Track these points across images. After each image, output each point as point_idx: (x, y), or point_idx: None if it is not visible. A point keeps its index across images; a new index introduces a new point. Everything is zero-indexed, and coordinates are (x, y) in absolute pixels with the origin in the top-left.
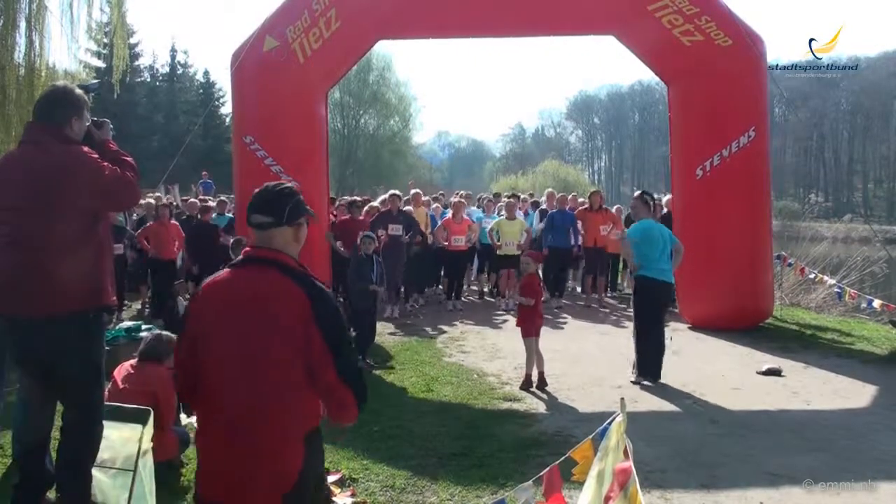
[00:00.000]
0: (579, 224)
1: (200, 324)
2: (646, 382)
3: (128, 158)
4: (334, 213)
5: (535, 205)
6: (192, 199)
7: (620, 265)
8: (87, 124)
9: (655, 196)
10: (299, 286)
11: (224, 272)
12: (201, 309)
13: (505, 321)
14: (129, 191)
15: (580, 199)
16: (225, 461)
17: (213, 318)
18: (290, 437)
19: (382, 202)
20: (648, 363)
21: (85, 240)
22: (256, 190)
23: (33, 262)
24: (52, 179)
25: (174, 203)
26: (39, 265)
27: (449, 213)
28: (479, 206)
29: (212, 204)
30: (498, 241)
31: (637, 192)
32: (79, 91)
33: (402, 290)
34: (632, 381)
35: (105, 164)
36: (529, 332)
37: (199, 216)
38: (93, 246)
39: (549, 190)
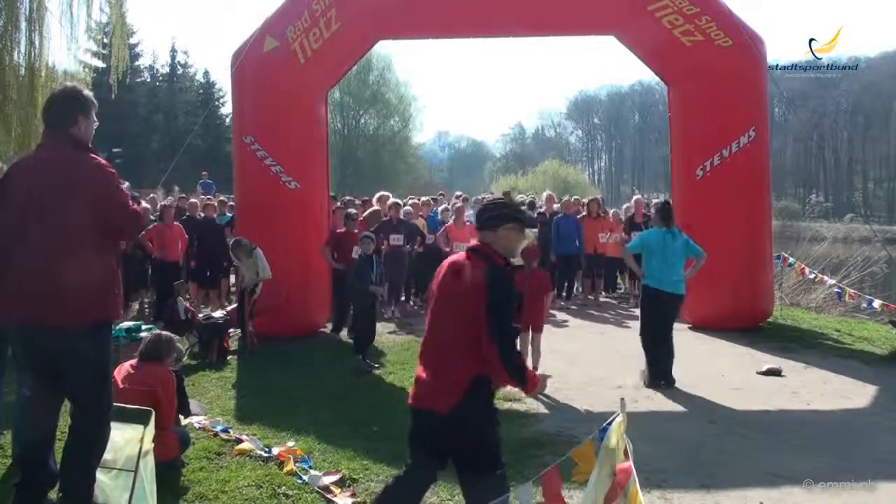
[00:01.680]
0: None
1: (436, 287)
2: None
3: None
4: (333, 210)
5: (532, 205)
6: (193, 199)
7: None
8: (96, 124)
9: (650, 200)
10: (487, 269)
11: (455, 255)
12: (437, 277)
13: None
14: (134, 221)
15: (583, 201)
16: (424, 377)
17: (437, 284)
18: (463, 370)
19: (379, 201)
20: (659, 370)
21: (96, 249)
22: None
23: (45, 271)
24: (66, 187)
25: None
26: (51, 274)
27: (451, 220)
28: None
29: (213, 202)
30: None
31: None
32: (86, 92)
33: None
34: (645, 385)
35: (118, 185)
36: (523, 325)
37: (202, 213)
38: (103, 256)
39: (548, 192)
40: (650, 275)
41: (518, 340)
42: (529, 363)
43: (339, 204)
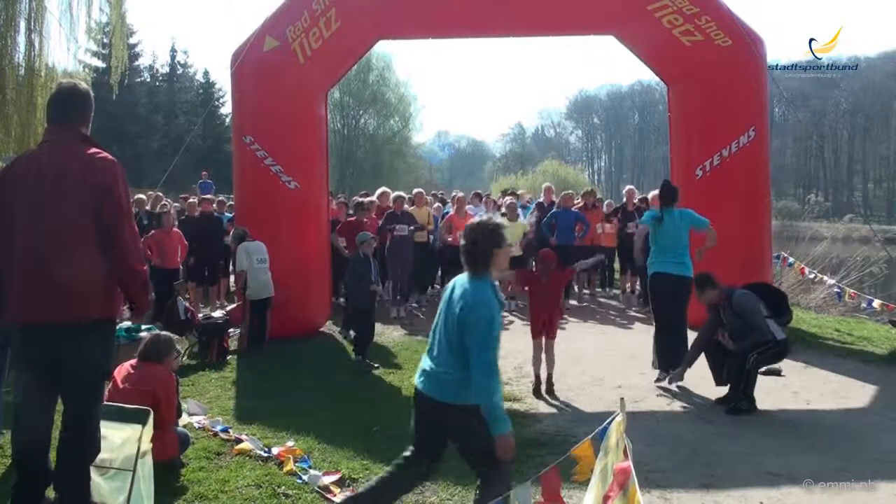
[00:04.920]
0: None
1: None
2: (667, 384)
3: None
4: (335, 206)
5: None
6: (192, 199)
7: (616, 262)
8: None
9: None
10: None
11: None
12: None
13: (506, 321)
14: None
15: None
16: None
17: None
18: None
19: (380, 197)
20: (665, 357)
21: (98, 246)
22: None
23: (48, 268)
24: (72, 182)
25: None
26: (54, 271)
27: (451, 210)
28: (481, 202)
29: (210, 197)
30: None
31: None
32: (84, 87)
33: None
34: (656, 383)
35: (125, 188)
36: (537, 331)
37: (200, 210)
38: (106, 253)
39: (547, 184)
40: (653, 259)
41: (532, 348)
42: (543, 372)
43: (340, 198)
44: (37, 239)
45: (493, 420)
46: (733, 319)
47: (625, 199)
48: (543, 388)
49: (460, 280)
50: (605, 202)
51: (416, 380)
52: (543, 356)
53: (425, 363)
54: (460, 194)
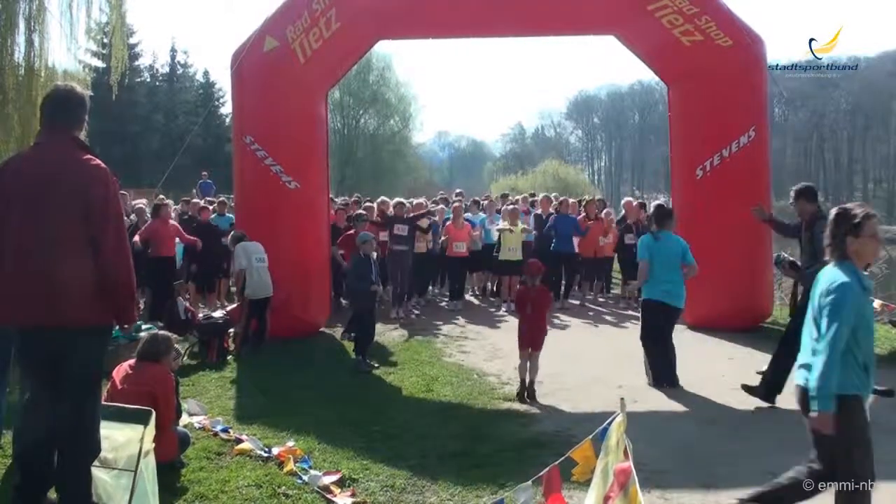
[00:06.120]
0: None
1: None
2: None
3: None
4: (333, 212)
5: (534, 205)
6: (194, 200)
7: (616, 265)
8: None
9: (648, 200)
10: None
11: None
12: None
13: (506, 322)
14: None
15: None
16: None
17: None
18: None
19: (380, 206)
20: (662, 373)
21: (93, 251)
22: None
23: (44, 271)
24: (68, 187)
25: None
26: (49, 274)
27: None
28: (480, 209)
29: (206, 204)
30: (499, 246)
31: (656, 203)
32: (80, 91)
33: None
34: (649, 384)
35: (116, 196)
36: (524, 344)
37: (198, 216)
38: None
39: (544, 195)
40: (651, 286)
41: (519, 357)
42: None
43: (339, 204)
44: (29, 240)
45: (813, 397)
46: (818, 236)
47: (624, 211)
48: (526, 393)
49: (823, 271)
50: (604, 210)
51: (797, 376)
52: (527, 366)
53: (800, 358)
54: (456, 203)
